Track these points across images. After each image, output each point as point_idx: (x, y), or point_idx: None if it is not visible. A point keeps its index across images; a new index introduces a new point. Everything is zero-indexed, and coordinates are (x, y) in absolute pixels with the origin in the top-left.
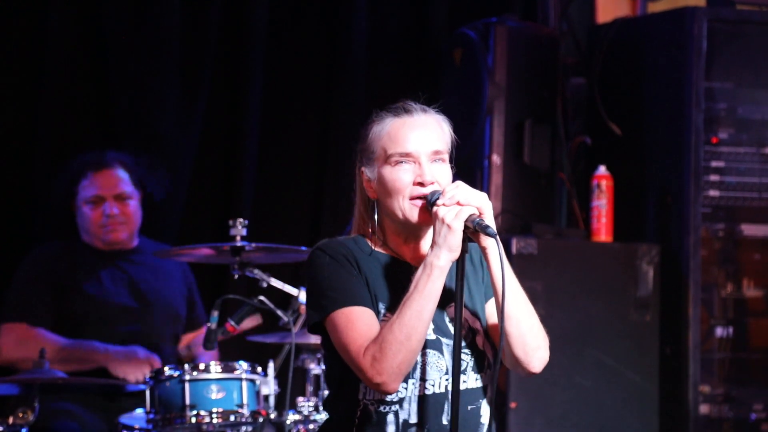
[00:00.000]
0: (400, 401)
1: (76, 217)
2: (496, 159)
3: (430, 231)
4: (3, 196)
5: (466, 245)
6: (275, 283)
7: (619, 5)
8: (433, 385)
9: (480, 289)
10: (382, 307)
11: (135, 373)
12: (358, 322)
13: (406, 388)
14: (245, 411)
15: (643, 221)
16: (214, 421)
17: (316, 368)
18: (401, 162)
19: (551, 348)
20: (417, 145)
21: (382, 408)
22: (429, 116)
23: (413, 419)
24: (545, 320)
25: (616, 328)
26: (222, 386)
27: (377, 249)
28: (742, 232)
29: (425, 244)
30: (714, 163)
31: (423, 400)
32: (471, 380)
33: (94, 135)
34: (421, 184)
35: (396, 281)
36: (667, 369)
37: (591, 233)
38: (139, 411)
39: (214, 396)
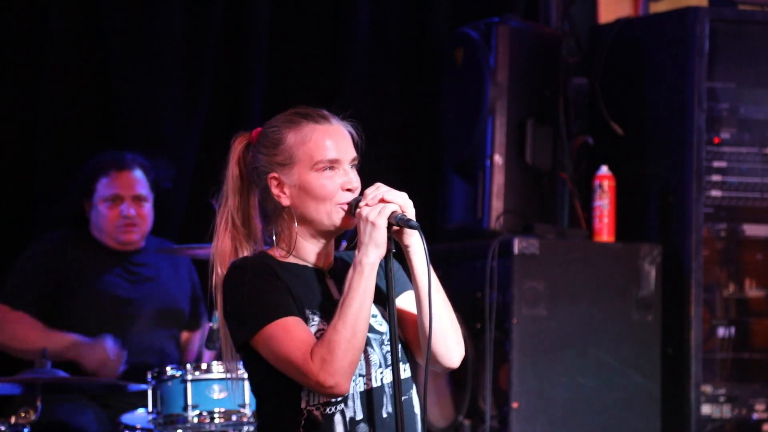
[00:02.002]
0: (345, 399)
1: (88, 215)
2: (497, 159)
3: (336, 237)
4: (4, 196)
5: (391, 242)
6: None
7: (620, 5)
8: (371, 380)
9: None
10: (309, 314)
11: (104, 366)
12: (294, 331)
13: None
14: (247, 411)
15: (645, 221)
16: (216, 421)
17: None
18: (326, 168)
19: (553, 347)
20: (342, 152)
21: (328, 410)
22: (344, 125)
23: (359, 416)
24: (547, 320)
25: (617, 328)
26: (224, 386)
27: (286, 261)
28: (744, 232)
29: (332, 247)
30: (716, 163)
31: (364, 395)
32: (400, 371)
33: (95, 134)
34: (350, 190)
35: (315, 288)
36: (668, 369)
37: (593, 233)
38: (141, 411)
39: (216, 396)
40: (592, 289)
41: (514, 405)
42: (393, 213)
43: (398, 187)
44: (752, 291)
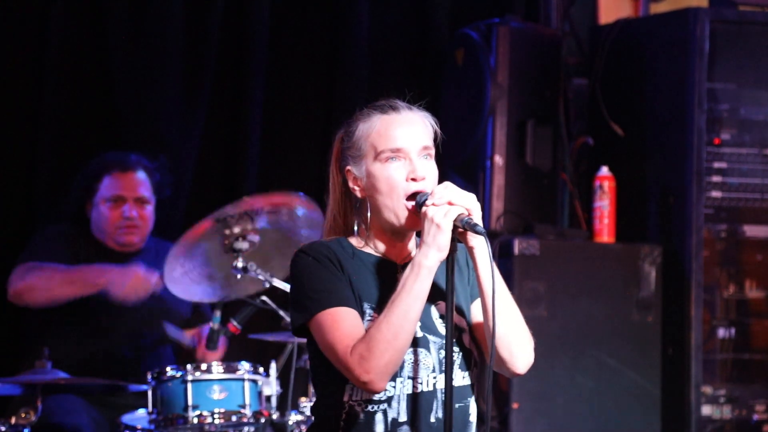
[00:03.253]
0: (389, 400)
1: (88, 214)
2: (498, 159)
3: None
4: (5, 196)
5: (455, 244)
6: (277, 283)
7: (621, 6)
8: (421, 383)
9: (465, 290)
10: (367, 307)
11: (134, 292)
12: (343, 323)
13: (394, 387)
14: (247, 411)
15: (645, 222)
16: (216, 421)
17: None
18: (392, 158)
19: (553, 348)
20: (407, 141)
21: (370, 407)
22: (415, 113)
23: (402, 418)
24: (547, 321)
25: (618, 328)
26: (224, 386)
27: (361, 249)
28: (744, 233)
29: (411, 243)
30: (716, 164)
31: (412, 398)
32: (458, 378)
33: (96, 134)
34: (414, 180)
35: (381, 281)
36: (669, 370)
37: (593, 234)
38: (141, 411)
39: (216, 396)
40: (593, 290)
41: (515, 406)
42: (459, 216)
43: None
44: (752, 292)
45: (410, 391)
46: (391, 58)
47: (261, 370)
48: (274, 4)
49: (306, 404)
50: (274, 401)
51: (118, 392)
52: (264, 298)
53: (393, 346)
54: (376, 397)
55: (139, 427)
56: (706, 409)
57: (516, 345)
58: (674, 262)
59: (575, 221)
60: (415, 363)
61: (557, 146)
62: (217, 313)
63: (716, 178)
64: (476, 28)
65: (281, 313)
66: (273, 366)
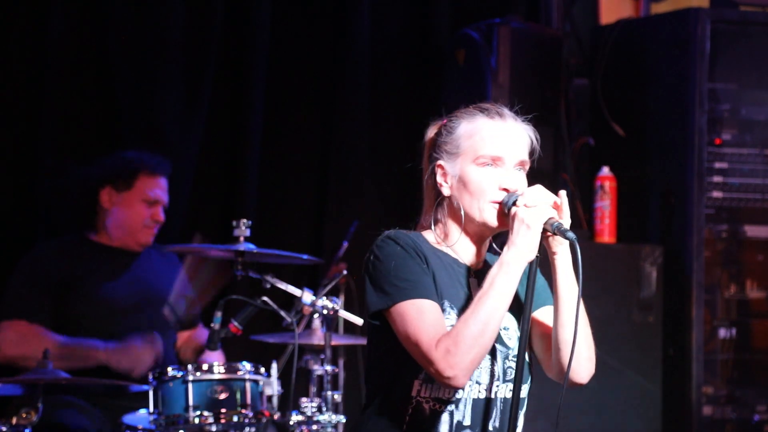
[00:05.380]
0: (456, 402)
1: (103, 205)
2: None
3: (491, 236)
4: (6, 197)
5: (540, 248)
6: (279, 283)
7: (622, 6)
8: (486, 390)
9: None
10: (446, 305)
11: (137, 363)
12: (429, 315)
13: (463, 390)
14: (248, 412)
15: (646, 222)
16: (217, 421)
17: (319, 369)
18: (488, 164)
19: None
20: (508, 151)
21: (438, 406)
22: (520, 125)
23: (467, 421)
24: None
25: (619, 328)
26: (225, 387)
27: (439, 248)
28: (745, 233)
29: (485, 249)
30: (717, 164)
31: (476, 403)
32: (521, 389)
33: (96, 135)
34: (506, 190)
35: (458, 282)
36: (670, 370)
37: (594, 234)
38: (143, 411)
39: (217, 396)
40: (593, 290)
41: None
42: (550, 219)
43: (400, 186)
44: (753, 292)
45: (476, 396)
46: (392, 59)
47: (262, 370)
48: (275, 4)
49: (307, 404)
50: (275, 401)
51: (119, 392)
52: (265, 298)
53: (479, 343)
54: (445, 396)
55: (140, 427)
56: (707, 410)
57: (584, 354)
58: (675, 263)
59: (576, 221)
60: (482, 369)
61: (558, 146)
62: (218, 314)
63: (717, 179)
64: (477, 28)
65: (282, 313)
66: (274, 366)
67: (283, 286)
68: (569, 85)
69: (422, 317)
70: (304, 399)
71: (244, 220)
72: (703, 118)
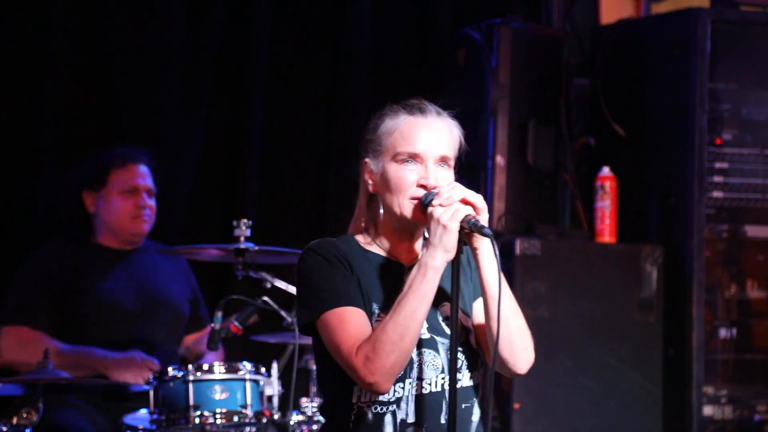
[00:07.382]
0: (398, 401)
1: (91, 209)
2: (499, 160)
3: (424, 231)
4: (6, 197)
5: (461, 246)
6: (279, 283)
7: (622, 6)
8: (429, 384)
9: (469, 289)
10: (375, 308)
11: (135, 378)
12: (350, 323)
13: (403, 388)
14: (249, 412)
15: (646, 222)
16: (218, 421)
17: None
18: (407, 161)
19: (555, 348)
20: (426, 146)
21: (379, 409)
22: (442, 120)
23: (411, 419)
24: (549, 321)
25: (619, 329)
26: (226, 387)
27: (369, 248)
28: (745, 233)
29: (419, 245)
30: (718, 164)
31: (420, 399)
32: (465, 379)
33: (97, 135)
34: (424, 187)
35: (389, 281)
36: (670, 370)
37: (594, 234)
38: (143, 411)
39: (217, 396)
40: (594, 290)
41: (516, 406)
42: (466, 216)
43: None
44: (754, 292)
45: (419, 393)
46: (392, 59)
47: (263, 370)
48: (275, 4)
49: (307, 404)
50: (275, 401)
51: (119, 393)
52: (265, 298)
53: (399, 347)
54: (385, 398)
55: (140, 427)
56: (708, 410)
57: (518, 345)
58: (676, 263)
59: (577, 221)
60: (424, 364)
61: (559, 146)
62: (219, 314)
63: (718, 179)
64: (478, 28)
65: (283, 313)
66: (274, 366)
67: (283, 285)
68: (569, 85)
69: (343, 326)
70: (304, 399)
71: (245, 220)
72: (704, 118)
